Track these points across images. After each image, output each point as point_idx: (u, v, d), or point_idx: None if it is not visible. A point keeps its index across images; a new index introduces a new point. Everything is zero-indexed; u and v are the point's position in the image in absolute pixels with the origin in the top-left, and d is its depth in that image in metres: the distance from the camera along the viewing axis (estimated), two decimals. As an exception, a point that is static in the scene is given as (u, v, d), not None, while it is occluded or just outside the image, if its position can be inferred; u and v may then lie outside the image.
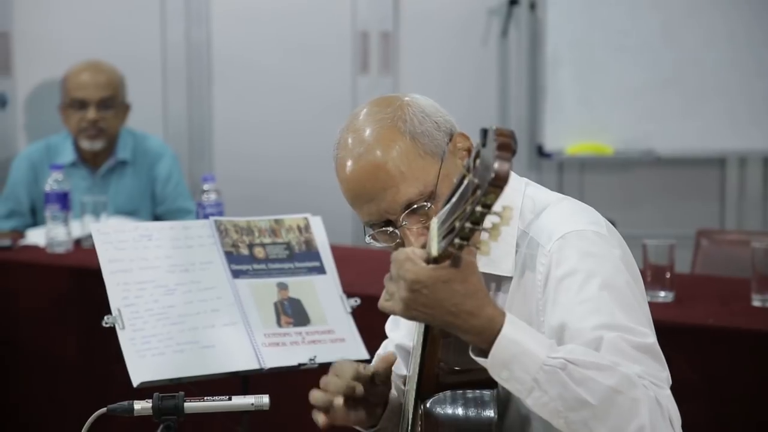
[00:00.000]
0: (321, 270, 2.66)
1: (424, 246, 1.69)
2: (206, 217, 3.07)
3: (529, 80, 5.26)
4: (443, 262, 1.60)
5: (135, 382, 2.38)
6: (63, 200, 3.74)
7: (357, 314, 2.62)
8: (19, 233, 4.15)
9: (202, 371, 2.46)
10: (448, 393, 1.78)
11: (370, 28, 5.25)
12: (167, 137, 5.17)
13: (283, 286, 2.61)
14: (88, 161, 4.43)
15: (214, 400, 1.97)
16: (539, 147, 5.19)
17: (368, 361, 2.23)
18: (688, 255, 3.88)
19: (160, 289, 2.50)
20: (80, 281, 3.52)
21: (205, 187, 3.45)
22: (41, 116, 5.19)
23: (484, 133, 1.53)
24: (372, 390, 1.94)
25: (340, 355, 2.55)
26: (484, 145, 1.52)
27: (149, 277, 2.50)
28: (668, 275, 2.96)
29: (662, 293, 2.95)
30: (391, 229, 1.88)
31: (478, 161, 1.53)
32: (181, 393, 1.96)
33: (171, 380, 2.41)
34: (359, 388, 1.91)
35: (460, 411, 1.77)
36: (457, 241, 1.54)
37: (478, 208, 1.49)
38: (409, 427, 1.84)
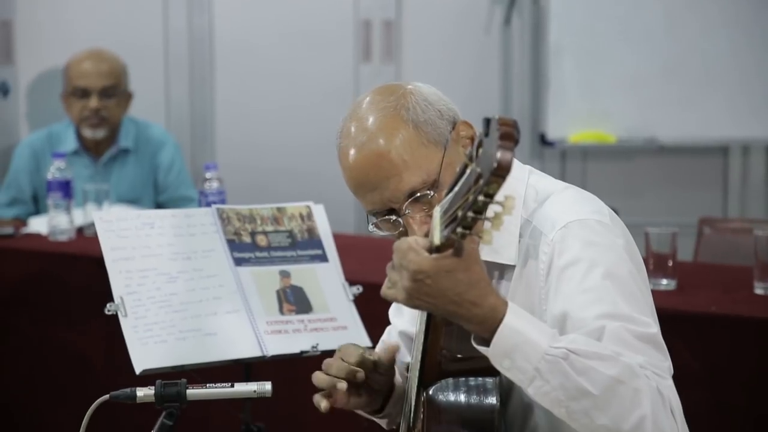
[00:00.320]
0: (323, 258, 2.66)
1: (427, 234, 1.70)
2: (208, 205, 3.06)
3: (531, 68, 5.25)
4: (445, 251, 1.60)
5: (137, 370, 2.38)
6: (65, 188, 3.74)
7: (359, 302, 2.63)
8: (22, 221, 4.15)
9: (205, 359, 2.46)
10: (450, 380, 1.78)
11: (373, 16, 5.24)
12: (169, 125, 5.17)
13: (285, 274, 2.61)
14: (91, 149, 4.43)
15: (216, 388, 1.97)
16: (542, 135, 5.19)
17: (371, 348, 2.24)
18: (691, 243, 3.88)
19: (162, 277, 2.50)
20: (82, 269, 3.52)
21: (208, 175, 3.45)
22: (43, 104, 5.19)
23: (487, 122, 1.53)
24: (374, 377, 1.94)
25: (342, 342, 2.55)
26: (486, 134, 1.52)
27: (151, 264, 2.50)
28: (670, 263, 2.96)
29: (664, 281, 2.95)
30: (394, 217, 1.88)
31: (480, 150, 1.53)
32: (184, 380, 1.96)
33: (173, 368, 2.42)
34: (360, 374, 1.91)
35: (462, 398, 1.77)
36: (459, 230, 1.54)
37: (481, 198, 1.49)
38: (412, 415, 1.84)
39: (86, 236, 3.75)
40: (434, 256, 1.61)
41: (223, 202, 3.34)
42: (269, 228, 2.65)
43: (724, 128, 5.10)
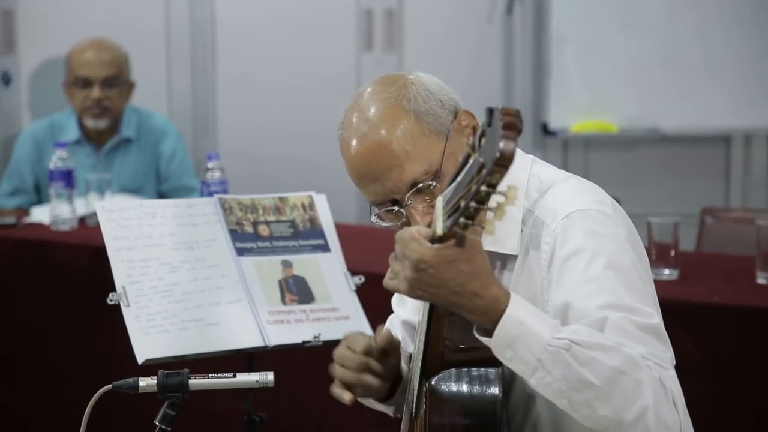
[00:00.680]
0: (325, 248, 2.66)
1: (429, 225, 1.69)
2: (210, 194, 3.06)
3: (533, 58, 5.24)
4: (448, 242, 1.60)
5: (140, 360, 2.39)
6: (67, 178, 3.74)
7: (361, 292, 2.63)
8: (24, 211, 4.15)
9: (207, 348, 2.46)
10: (453, 371, 1.78)
11: (375, 6, 5.23)
12: (171, 114, 5.16)
13: (287, 264, 2.61)
14: (93, 139, 4.43)
15: (218, 378, 1.97)
16: (544, 125, 5.18)
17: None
18: (693, 233, 3.88)
19: (164, 267, 2.50)
20: (85, 259, 3.52)
21: (210, 164, 3.45)
22: (45, 94, 5.19)
23: (490, 112, 1.52)
24: (381, 364, 1.94)
25: (344, 332, 2.55)
26: (489, 124, 1.52)
27: (154, 254, 2.51)
28: (673, 253, 2.96)
29: (666, 271, 2.95)
30: (396, 208, 1.88)
31: (483, 140, 1.53)
32: (186, 370, 1.96)
33: (176, 357, 2.42)
34: (375, 365, 1.91)
35: (465, 388, 1.77)
36: (461, 220, 1.54)
37: (483, 188, 1.49)
38: (414, 405, 1.84)
39: (88, 226, 3.75)
40: (436, 246, 1.61)
41: (225, 191, 3.35)
42: (271, 218, 2.65)
43: (726, 118, 5.09)
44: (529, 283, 1.84)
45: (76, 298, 3.57)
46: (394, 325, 2.17)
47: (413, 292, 1.64)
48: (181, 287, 2.49)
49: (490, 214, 1.51)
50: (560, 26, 5.09)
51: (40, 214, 3.95)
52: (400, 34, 5.25)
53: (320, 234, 2.67)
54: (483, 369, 1.77)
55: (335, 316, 2.58)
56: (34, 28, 5.25)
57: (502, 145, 1.46)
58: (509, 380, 1.83)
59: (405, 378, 2.01)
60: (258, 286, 2.55)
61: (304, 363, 3.07)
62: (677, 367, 1.76)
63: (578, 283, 1.76)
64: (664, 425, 1.67)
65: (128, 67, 4.45)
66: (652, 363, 1.69)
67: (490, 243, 1.81)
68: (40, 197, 4.35)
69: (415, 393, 1.83)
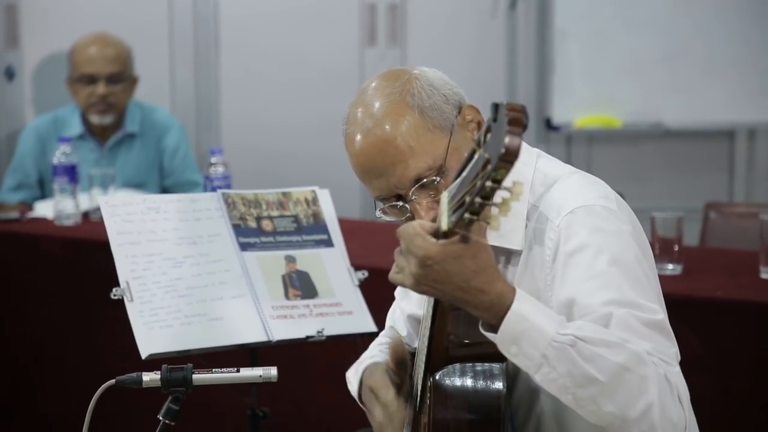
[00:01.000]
0: (329, 243, 2.66)
1: (434, 220, 1.69)
2: (214, 189, 3.06)
3: (537, 52, 5.24)
4: (453, 237, 1.60)
5: (143, 354, 2.39)
6: (71, 173, 3.74)
7: (365, 287, 2.63)
8: (27, 206, 4.15)
9: (210, 343, 2.47)
10: (457, 366, 1.78)
11: (378, 0, 5.23)
12: (174, 109, 5.16)
13: (290, 259, 2.61)
14: (96, 134, 4.43)
15: (222, 372, 1.97)
16: (547, 120, 5.18)
17: (376, 334, 2.24)
18: (697, 228, 3.88)
19: (168, 262, 2.50)
20: (88, 254, 3.53)
21: (213, 159, 3.45)
22: (49, 89, 5.18)
23: (496, 107, 1.52)
24: (402, 375, 1.93)
25: (347, 327, 2.56)
26: (495, 119, 1.52)
27: (157, 249, 2.51)
28: (676, 248, 2.96)
29: (670, 266, 2.95)
30: (401, 203, 1.88)
31: (488, 136, 1.52)
32: (190, 365, 1.96)
33: (179, 352, 2.42)
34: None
35: (469, 383, 1.77)
36: (467, 215, 1.54)
37: (488, 183, 1.49)
38: (418, 400, 1.84)
39: (92, 221, 3.75)
40: (442, 242, 1.60)
41: (228, 186, 3.34)
42: (274, 213, 2.65)
43: (729, 112, 5.09)
44: (533, 279, 1.84)
45: (79, 293, 3.57)
46: (397, 317, 2.17)
47: (418, 287, 1.64)
48: (185, 282, 2.49)
49: (494, 210, 1.51)
50: (563, 21, 5.09)
51: (43, 209, 3.95)
52: (403, 28, 5.24)
53: (323, 229, 2.67)
54: (487, 364, 1.77)
55: (338, 311, 2.58)
56: (37, 22, 5.25)
57: (507, 140, 1.46)
58: (513, 375, 1.83)
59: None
60: (261, 281, 2.55)
61: (307, 358, 3.08)
62: (680, 362, 1.76)
63: (582, 279, 1.76)
64: (669, 421, 1.67)
65: (132, 63, 4.45)
66: (657, 359, 1.69)
67: (494, 238, 1.81)
68: (44, 192, 4.35)
69: (419, 388, 1.83)
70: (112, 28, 4.54)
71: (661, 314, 1.76)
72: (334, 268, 2.63)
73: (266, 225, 2.63)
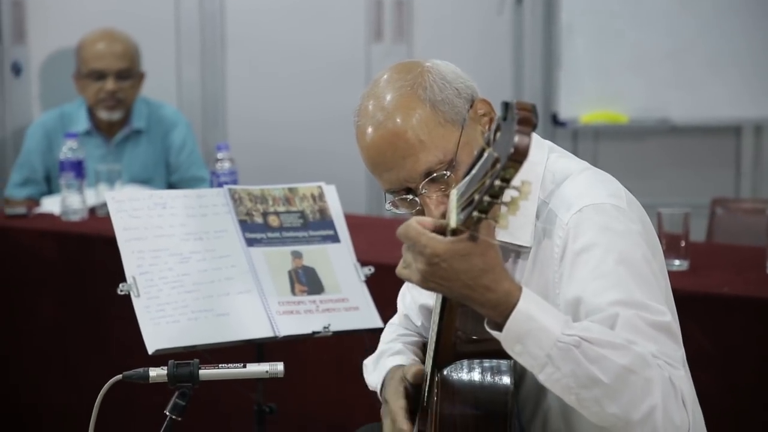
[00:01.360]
0: (335, 238, 2.66)
1: (443, 215, 1.69)
2: (220, 185, 3.07)
3: (543, 48, 5.23)
4: (461, 235, 1.60)
5: (150, 350, 2.39)
6: (77, 168, 3.75)
7: (371, 283, 2.63)
8: (34, 201, 4.16)
9: (217, 339, 2.47)
10: (464, 361, 1.78)
11: (384, -4, 5.23)
12: (181, 105, 5.16)
13: (297, 255, 2.61)
14: (103, 130, 4.44)
15: (228, 368, 1.98)
16: (554, 115, 5.17)
17: (380, 330, 2.24)
18: (703, 223, 3.87)
19: (174, 257, 2.50)
20: (95, 249, 3.53)
21: (219, 155, 3.45)
22: (55, 84, 5.19)
23: (506, 106, 1.52)
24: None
25: (354, 323, 2.56)
26: (504, 118, 1.52)
27: (164, 245, 2.51)
28: (683, 244, 2.95)
29: (677, 262, 2.95)
30: (410, 196, 1.88)
31: (498, 134, 1.52)
32: (196, 360, 1.96)
33: (186, 348, 2.42)
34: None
35: (476, 379, 1.77)
36: (475, 214, 1.53)
37: (497, 182, 1.48)
38: (426, 395, 1.84)
39: (98, 216, 3.76)
40: (450, 239, 1.60)
41: (234, 182, 3.35)
42: (281, 208, 2.65)
43: (736, 108, 5.08)
44: (541, 276, 1.84)
45: (86, 289, 3.58)
46: (408, 304, 2.16)
47: (426, 284, 1.64)
48: (191, 278, 2.49)
49: (503, 208, 1.51)
50: (570, 17, 5.08)
51: (50, 205, 3.96)
52: (409, 24, 5.24)
53: (330, 224, 2.67)
54: (495, 360, 1.77)
55: (345, 306, 2.58)
56: (43, 18, 5.25)
57: (516, 140, 1.46)
58: (521, 372, 1.83)
59: None
60: (268, 277, 2.55)
61: (313, 353, 3.08)
62: (687, 358, 1.76)
63: (590, 279, 1.75)
64: (672, 425, 1.66)
65: (139, 58, 4.45)
66: (662, 362, 1.68)
67: (503, 234, 1.81)
68: (51, 188, 4.36)
69: (427, 383, 1.83)
70: (119, 24, 4.55)
71: (669, 316, 1.75)
72: (340, 264, 2.63)
73: (273, 220, 2.63)
